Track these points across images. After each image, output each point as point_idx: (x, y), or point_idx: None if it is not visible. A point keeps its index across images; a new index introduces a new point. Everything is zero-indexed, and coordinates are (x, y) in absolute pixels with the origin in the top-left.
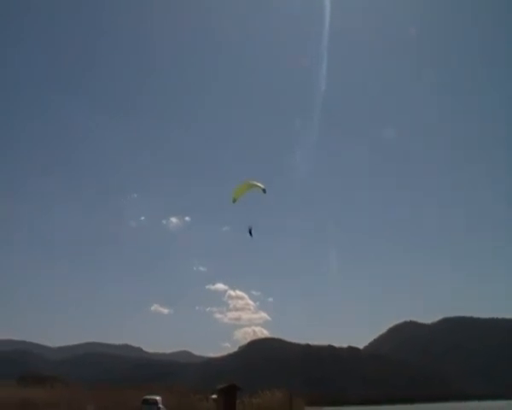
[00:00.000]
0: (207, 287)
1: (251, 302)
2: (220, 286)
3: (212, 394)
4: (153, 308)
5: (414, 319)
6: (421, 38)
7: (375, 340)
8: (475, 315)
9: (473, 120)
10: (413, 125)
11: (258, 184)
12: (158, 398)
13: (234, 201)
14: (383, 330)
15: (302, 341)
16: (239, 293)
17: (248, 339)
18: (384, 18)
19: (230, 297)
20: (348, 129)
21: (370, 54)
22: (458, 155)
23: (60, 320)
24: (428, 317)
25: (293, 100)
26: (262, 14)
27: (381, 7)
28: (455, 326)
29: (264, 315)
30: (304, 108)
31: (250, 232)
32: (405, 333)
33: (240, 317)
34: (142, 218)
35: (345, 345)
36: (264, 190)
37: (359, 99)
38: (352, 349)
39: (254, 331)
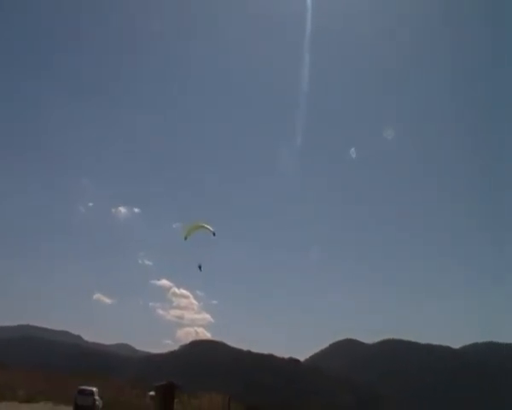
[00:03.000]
0: (152, 282)
1: (195, 302)
2: (165, 282)
3: (150, 390)
4: (95, 297)
5: (355, 337)
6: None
7: (315, 354)
8: (413, 339)
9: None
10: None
11: (209, 227)
12: (94, 389)
13: (185, 238)
14: (324, 345)
15: (244, 347)
16: (183, 292)
17: (190, 339)
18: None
19: (175, 295)
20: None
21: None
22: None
23: None
24: (369, 337)
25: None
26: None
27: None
28: (393, 348)
29: (207, 316)
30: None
31: (200, 268)
32: (345, 350)
33: (183, 315)
34: (91, 204)
35: (286, 356)
36: (213, 233)
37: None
38: (292, 361)
39: (197, 332)
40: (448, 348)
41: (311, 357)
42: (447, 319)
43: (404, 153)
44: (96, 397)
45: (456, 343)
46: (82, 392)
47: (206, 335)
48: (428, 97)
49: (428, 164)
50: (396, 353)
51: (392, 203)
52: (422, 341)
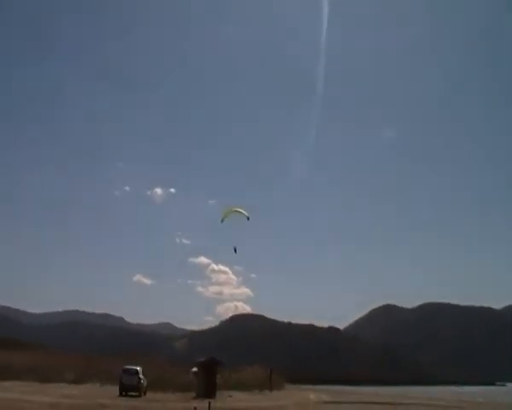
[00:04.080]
0: (190, 260)
1: (233, 277)
2: (203, 260)
3: (193, 367)
4: (135, 279)
5: (394, 302)
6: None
7: (355, 321)
8: (453, 302)
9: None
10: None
11: (244, 212)
12: (138, 368)
13: (222, 221)
14: (364, 312)
15: (283, 318)
16: (222, 267)
17: (230, 314)
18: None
19: (213, 271)
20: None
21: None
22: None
23: (42, 287)
24: (408, 301)
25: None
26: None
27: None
28: (434, 311)
29: (246, 291)
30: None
31: (235, 250)
32: (385, 316)
33: (222, 291)
34: (127, 188)
35: (325, 325)
36: (248, 218)
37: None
38: (332, 329)
39: (236, 307)
40: (489, 309)
41: (350, 325)
42: (488, 280)
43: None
44: (141, 376)
45: (498, 304)
46: (127, 371)
47: (245, 309)
48: None
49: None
50: (436, 316)
51: (433, 162)
52: (463, 303)
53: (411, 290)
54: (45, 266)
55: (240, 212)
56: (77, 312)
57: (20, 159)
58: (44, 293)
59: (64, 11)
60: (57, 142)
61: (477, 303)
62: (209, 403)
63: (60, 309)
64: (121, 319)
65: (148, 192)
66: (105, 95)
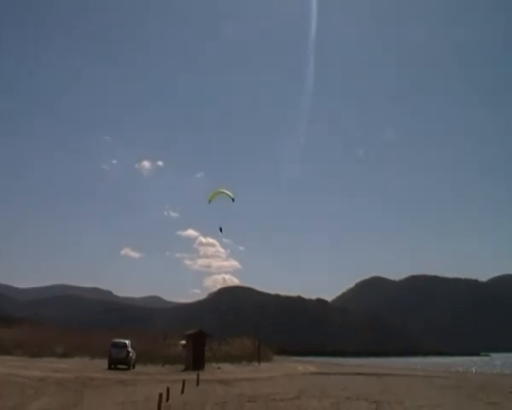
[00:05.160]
0: (178, 233)
1: (222, 250)
2: (191, 233)
3: (181, 339)
4: (123, 252)
5: (381, 274)
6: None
7: (343, 293)
8: (440, 274)
9: None
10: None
11: (230, 194)
12: (127, 341)
13: (209, 202)
14: (351, 284)
15: (272, 291)
16: (210, 240)
17: (218, 286)
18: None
19: (201, 244)
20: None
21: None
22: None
23: (29, 262)
24: (396, 274)
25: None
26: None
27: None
28: (421, 284)
29: (234, 263)
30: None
31: (220, 230)
32: (372, 288)
33: (210, 264)
34: (115, 161)
35: (313, 297)
36: (233, 200)
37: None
38: (320, 301)
39: (224, 279)
40: (475, 282)
41: (338, 297)
42: (474, 252)
43: None
44: (130, 349)
45: (484, 276)
46: (115, 345)
47: (234, 281)
48: None
49: None
50: (423, 288)
51: (421, 135)
52: (450, 275)
53: (398, 263)
54: (32, 240)
55: (226, 193)
56: (65, 286)
57: (7, 132)
58: (32, 268)
59: None
60: (44, 116)
61: (463, 275)
62: (198, 375)
63: (48, 284)
64: (109, 293)
65: (136, 165)
66: (92, 68)
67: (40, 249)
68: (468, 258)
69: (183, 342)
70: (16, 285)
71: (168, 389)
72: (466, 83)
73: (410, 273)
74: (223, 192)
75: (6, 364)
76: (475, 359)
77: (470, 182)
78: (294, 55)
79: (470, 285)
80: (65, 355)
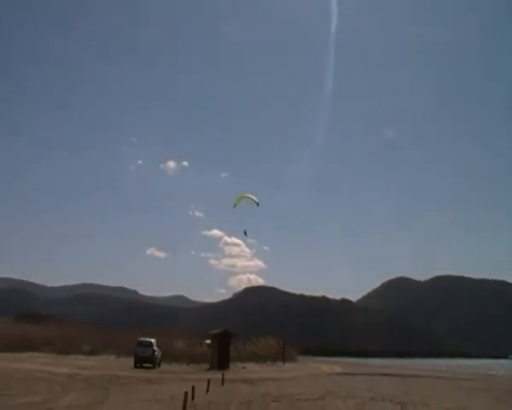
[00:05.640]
0: (203, 233)
1: (246, 250)
2: (216, 232)
3: (206, 339)
4: (149, 252)
5: (407, 275)
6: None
7: (368, 294)
8: (467, 275)
9: None
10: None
11: (254, 199)
12: (153, 340)
13: (234, 206)
14: (376, 284)
15: (296, 291)
16: (235, 240)
17: (243, 286)
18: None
19: (226, 244)
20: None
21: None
22: None
23: (56, 261)
24: (421, 274)
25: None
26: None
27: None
28: (446, 285)
29: (259, 263)
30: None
31: (245, 233)
32: (397, 288)
33: (235, 264)
34: (140, 162)
35: (338, 297)
36: (257, 204)
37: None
38: (345, 302)
39: (249, 279)
40: (503, 282)
41: (363, 297)
42: (502, 253)
43: None
44: (155, 348)
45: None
46: (141, 344)
47: (258, 281)
48: None
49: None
50: (449, 289)
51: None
52: (476, 276)
53: (424, 263)
54: (60, 240)
55: (251, 198)
56: (91, 285)
57: (35, 136)
58: (60, 267)
59: None
60: (70, 118)
61: (490, 276)
62: (223, 374)
63: (75, 283)
64: (135, 292)
65: (162, 166)
66: (118, 69)
67: (67, 248)
68: (496, 258)
69: (209, 341)
70: (45, 284)
71: (193, 388)
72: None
73: (436, 274)
74: (248, 197)
75: (35, 360)
76: (503, 362)
77: (499, 181)
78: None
79: (497, 286)
80: (92, 353)
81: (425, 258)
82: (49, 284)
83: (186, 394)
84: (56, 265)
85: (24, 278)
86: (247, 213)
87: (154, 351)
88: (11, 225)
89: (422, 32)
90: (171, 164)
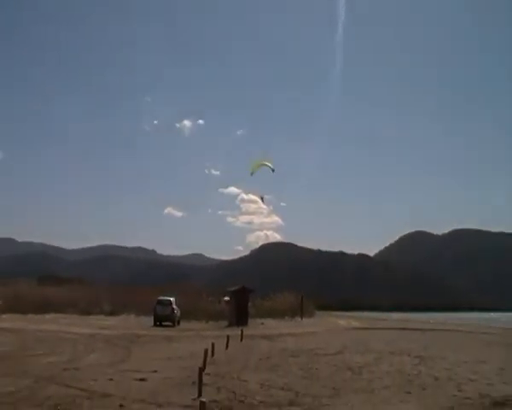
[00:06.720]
0: (220, 190)
1: (263, 206)
2: (233, 190)
3: (225, 296)
4: (166, 211)
5: (424, 228)
6: None
7: (385, 248)
8: (484, 228)
9: None
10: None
11: (269, 164)
12: (172, 299)
13: (251, 174)
14: (394, 238)
15: (314, 246)
16: (252, 197)
17: (260, 243)
18: None
19: (243, 201)
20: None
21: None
22: None
23: (75, 223)
24: (439, 227)
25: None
26: None
27: None
28: (464, 238)
29: (276, 219)
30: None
31: (262, 199)
32: (415, 242)
33: (252, 221)
34: (156, 122)
35: (355, 252)
36: (273, 170)
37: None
38: (362, 256)
39: (267, 235)
40: None
41: (380, 252)
42: None
43: None
44: (174, 306)
45: None
46: (160, 302)
47: (276, 237)
48: None
49: None
50: (466, 242)
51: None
52: (494, 229)
53: (441, 217)
54: (77, 202)
55: (267, 165)
56: (110, 246)
57: (47, 88)
58: (79, 230)
59: None
60: (84, 78)
61: (508, 230)
62: (241, 331)
63: (93, 244)
64: (153, 252)
65: (177, 125)
66: (131, 28)
67: (85, 211)
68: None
69: (227, 298)
70: (64, 246)
71: (213, 345)
72: None
73: (454, 227)
74: (264, 164)
75: (58, 321)
76: None
77: None
78: None
79: None
80: (112, 313)
81: (442, 212)
82: (69, 247)
83: (206, 351)
84: (76, 228)
85: (45, 242)
86: (264, 173)
87: (173, 309)
88: (31, 191)
89: None
90: (187, 123)
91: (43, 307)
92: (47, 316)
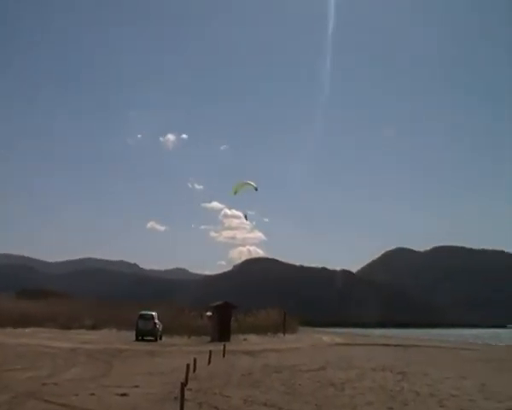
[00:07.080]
0: (203, 205)
1: (246, 221)
2: (216, 204)
3: (207, 311)
4: (149, 225)
5: (406, 245)
6: None
7: (368, 264)
8: (467, 245)
9: None
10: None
11: (253, 184)
12: (154, 313)
13: (234, 193)
14: (377, 255)
15: (296, 262)
16: (235, 212)
17: (243, 258)
18: None
19: (226, 216)
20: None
21: None
22: None
23: (57, 236)
24: (421, 244)
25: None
26: None
27: None
28: (446, 255)
29: (259, 235)
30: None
31: (245, 217)
32: (398, 259)
33: (235, 236)
34: (139, 135)
35: (338, 268)
36: (256, 189)
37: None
38: (345, 272)
39: (249, 251)
40: (502, 253)
41: (363, 268)
42: (500, 223)
43: None
44: (156, 321)
45: (511, 247)
46: (142, 317)
47: (258, 253)
48: None
49: None
50: (448, 259)
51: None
52: (475, 246)
53: (424, 234)
54: (59, 215)
55: (250, 184)
56: (92, 259)
57: (34, 108)
58: (60, 242)
59: None
60: (69, 91)
61: (489, 246)
62: (224, 346)
63: (75, 258)
64: (135, 266)
65: (161, 139)
66: (115, 42)
67: (67, 223)
68: (495, 229)
69: (209, 313)
70: (45, 259)
71: (195, 360)
72: None
73: (436, 244)
74: (247, 184)
75: (38, 335)
76: (501, 331)
77: (498, 149)
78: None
79: (497, 256)
80: (93, 327)
81: (424, 228)
82: (49, 260)
83: (188, 366)
84: (57, 240)
85: (25, 254)
86: (247, 190)
87: (155, 324)
88: (11, 202)
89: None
90: (171, 137)
91: (21, 321)
92: (26, 330)
